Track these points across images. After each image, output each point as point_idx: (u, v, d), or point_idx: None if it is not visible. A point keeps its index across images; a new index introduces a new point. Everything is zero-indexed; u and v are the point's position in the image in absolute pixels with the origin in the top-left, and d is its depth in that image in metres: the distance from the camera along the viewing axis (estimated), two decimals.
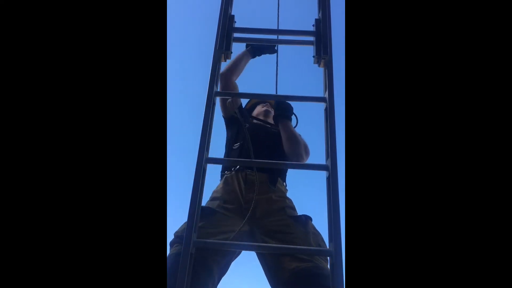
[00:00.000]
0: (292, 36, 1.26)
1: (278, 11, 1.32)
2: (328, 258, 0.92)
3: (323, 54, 1.12)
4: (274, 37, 1.32)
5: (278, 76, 1.65)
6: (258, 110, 2.00)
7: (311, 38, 1.22)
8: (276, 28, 1.29)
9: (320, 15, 1.23)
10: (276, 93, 1.40)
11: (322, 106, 1.17)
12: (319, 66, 1.18)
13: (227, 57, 1.14)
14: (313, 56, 1.18)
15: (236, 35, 1.21)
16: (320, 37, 1.17)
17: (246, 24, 1.22)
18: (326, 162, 1.09)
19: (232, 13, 1.22)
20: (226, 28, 1.15)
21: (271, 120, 1.92)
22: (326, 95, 1.15)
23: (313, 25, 1.24)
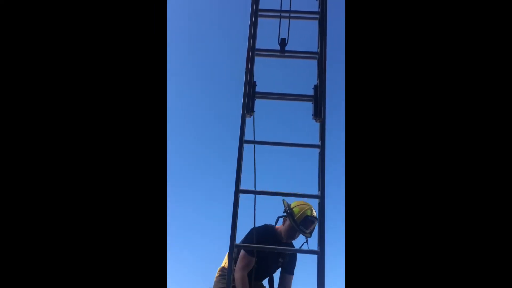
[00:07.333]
0: (297, 97, 1.74)
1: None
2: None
3: (318, 116, 1.58)
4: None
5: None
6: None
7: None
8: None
9: (318, 82, 1.68)
10: None
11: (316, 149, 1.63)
12: (316, 121, 1.64)
13: (250, 115, 1.60)
14: (312, 115, 1.64)
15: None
16: (317, 101, 1.63)
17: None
18: (317, 192, 1.55)
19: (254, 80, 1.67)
20: (251, 94, 1.61)
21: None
22: (320, 143, 1.61)
23: (312, 88, 1.70)
